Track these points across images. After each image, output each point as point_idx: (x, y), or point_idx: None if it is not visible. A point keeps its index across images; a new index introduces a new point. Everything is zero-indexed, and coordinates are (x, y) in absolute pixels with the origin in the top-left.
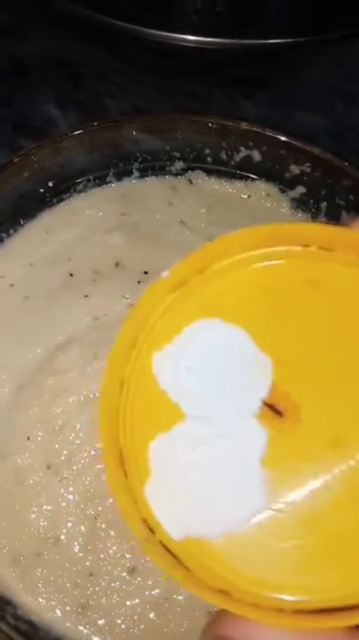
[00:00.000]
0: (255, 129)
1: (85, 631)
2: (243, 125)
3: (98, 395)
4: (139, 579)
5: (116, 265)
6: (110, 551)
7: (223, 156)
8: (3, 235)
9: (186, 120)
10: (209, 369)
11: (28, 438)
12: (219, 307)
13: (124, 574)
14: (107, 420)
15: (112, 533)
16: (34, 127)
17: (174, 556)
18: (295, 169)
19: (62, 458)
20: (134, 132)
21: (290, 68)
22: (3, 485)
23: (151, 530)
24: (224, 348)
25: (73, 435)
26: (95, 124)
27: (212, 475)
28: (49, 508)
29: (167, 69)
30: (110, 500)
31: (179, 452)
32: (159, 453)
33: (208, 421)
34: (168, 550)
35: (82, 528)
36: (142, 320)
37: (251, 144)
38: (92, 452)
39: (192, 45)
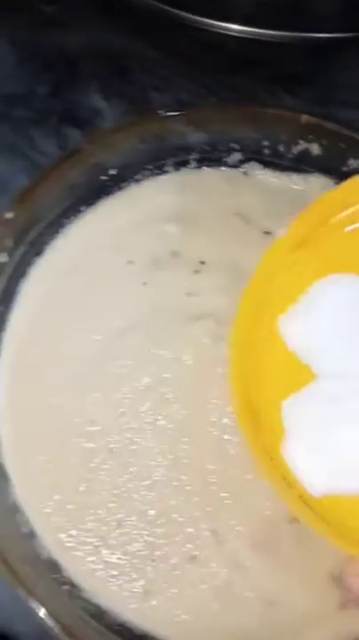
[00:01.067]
0: (317, 122)
1: (148, 617)
2: (304, 118)
3: (158, 379)
4: (201, 568)
5: (174, 254)
6: (176, 538)
7: (281, 148)
8: (64, 220)
9: (246, 111)
10: (338, 326)
11: (93, 421)
12: (345, 260)
13: (186, 563)
14: (239, 385)
15: (176, 518)
16: (80, 117)
17: (314, 511)
18: (353, 163)
19: (125, 442)
20: (193, 123)
21: (333, 65)
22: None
23: (290, 486)
24: (353, 304)
25: (133, 420)
26: (159, 112)
27: (348, 431)
28: (114, 492)
29: (211, 64)
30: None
31: (313, 410)
32: (293, 412)
33: (340, 379)
34: (308, 506)
35: (146, 513)
36: (264, 283)
37: (310, 137)
38: (153, 436)
39: (240, 36)
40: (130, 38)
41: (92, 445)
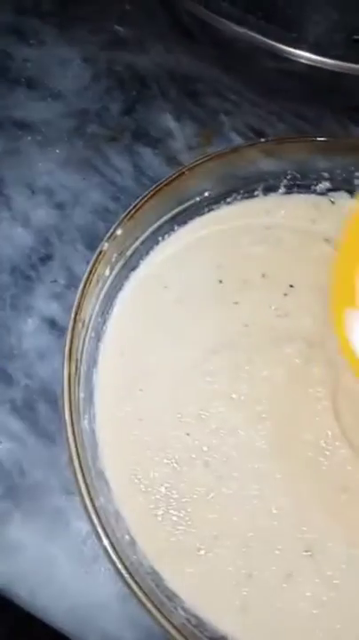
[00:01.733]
0: None
1: (246, 633)
2: None
3: (251, 397)
4: (297, 586)
5: (263, 276)
6: (270, 556)
7: None
8: (159, 238)
9: (339, 142)
10: None
11: (188, 434)
12: None
13: (282, 581)
14: None
15: (270, 536)
16: (152, 137)
17: None
18: None
19: (217, 456)
20: (287, 152)
21: None
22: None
23: None
24: None
25: (228, 435)
26: (262, 140)
27: None
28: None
29: (281, 91)
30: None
31: None
32: None
33: None
34: None
35: (241, 528)
36: None
37: None
38: (247, 452)
39: (312, 64)
40: (200, 61)
41: (188, 457)
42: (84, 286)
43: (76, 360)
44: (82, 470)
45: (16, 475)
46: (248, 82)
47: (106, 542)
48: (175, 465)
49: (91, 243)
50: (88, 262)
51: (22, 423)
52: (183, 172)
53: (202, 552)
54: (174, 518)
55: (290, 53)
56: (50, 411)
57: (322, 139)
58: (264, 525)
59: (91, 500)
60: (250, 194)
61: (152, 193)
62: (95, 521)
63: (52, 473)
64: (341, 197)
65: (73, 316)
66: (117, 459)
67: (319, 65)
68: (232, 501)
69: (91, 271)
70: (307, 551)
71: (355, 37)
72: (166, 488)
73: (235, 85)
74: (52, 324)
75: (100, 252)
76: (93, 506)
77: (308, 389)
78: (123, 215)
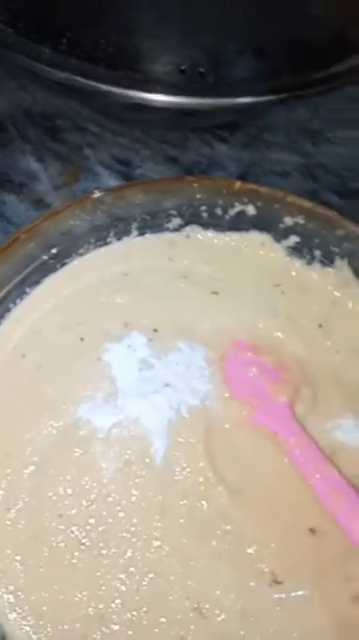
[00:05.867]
0: (250, 187)
1: None
2: (238, 184)
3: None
4: None
5: (126, 325)
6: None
7: (218, 211)
8: (11, 305)
9: (184, 182)
10: None
11: (60, 515)
12: None
13: None
14: None
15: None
16: (15, 182)
17: None
18: (289, 221)
19: (99, 530)
20: (134, 196)
21: (258, 112)
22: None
23: None
24: None
25: (106, 507)
26: (94, 192)
27: None
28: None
29: (141, 119)
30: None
31: None
32: None
33: None
34: None
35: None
36: None
37: (245, 200)
38: (130, 527)
39: (166, 105)
40: (56, 96)
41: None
42: None
43: None
44: None
45: None
46: (106, 113)
47: None
48: (52, 554)
49: None
50: None
51: None
52: (18, 237)
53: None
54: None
55: (139, 98)
56: None
57: (163, 179)
58: (152, 588)
59: None
60: (102, 241)
61: None
62: None
63: None
64: (194, 231)
65: None
66: None
67: (173, 106)
68: (117, 569)
69: None
70: (196, 609)
71: (182, 68)
72: (41, 575)
73: (95, 117)
74: None
75: None
76: None
77: (191, 440)
78: None
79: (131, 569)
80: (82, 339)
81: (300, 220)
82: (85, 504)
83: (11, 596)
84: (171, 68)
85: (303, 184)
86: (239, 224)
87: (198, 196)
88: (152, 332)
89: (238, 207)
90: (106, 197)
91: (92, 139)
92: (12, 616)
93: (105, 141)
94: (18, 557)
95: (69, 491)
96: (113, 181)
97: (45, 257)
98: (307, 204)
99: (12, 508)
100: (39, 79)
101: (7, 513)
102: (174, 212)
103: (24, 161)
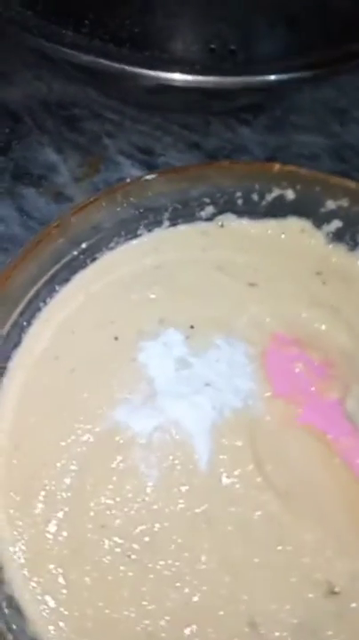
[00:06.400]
0: (289, 169)
1: None
2: (276, 167)
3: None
4: None
5: (161, 322)
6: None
7: (254, 197)
8: (41, 304)
9: (217, 168)
10: None
11: (103, 526)
12: None
13: None
14: None
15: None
16: (34, 175)
17: None
18: (331, 204)
19: (145, 541)
20: (165, 185)
21: (284, 92)
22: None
23: None
24: None
25: (151, 517)
26: (127, 180)
27: None
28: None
29: (161, 104)
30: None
31: None
32: None
33: None
34: None
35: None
36: None
37: (284, 184)
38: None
39: (192, 85)
40: (72, 84)
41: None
42: None
43: None
44: None
45: None
46: (125, 99)
47: None
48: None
49: None
50: None
51: None
52: (49, 233)
53: None
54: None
55: (160, 78)
56: None
57: (196, 166)
58: (202, 603)
59: None
60: (133, 234)
61: (18, 260)
62: None
63: None
64: (229, 219)
65: None
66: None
67: (194, 85)
68: (164, 583)
69: None
70: (250, 624)
71: (212, 47)
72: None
73: (113, 104)
74: None
75: None
76: None
77: (222, 441)
78: None
79: (179, 583)
80: (116, 338)
81: (344, 203)
82: (129, 514)
83: (52, 612)
84: (199, 47)
85: (332, 166)
86: (277, 210)
87: (233, 182)
88: (188, 328)
89: (276, 192)
90: (135, 188)
91: (111, 127)
92: (53, 633)
93: (124, 129)
94: (60, 571)
95: (111, 500)
96: (135, 171)
97: (75, 252)
98: (353, 184)
99: (53, 520)
100: (55, 67)
101: (47, 525)
102: (207, 200)
103: (42, 153)
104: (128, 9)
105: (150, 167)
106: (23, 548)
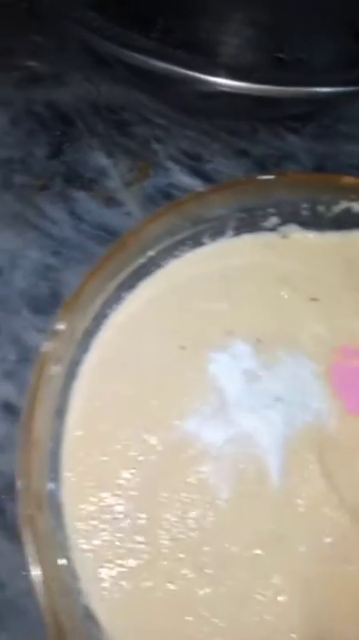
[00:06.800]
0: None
1: None
2: (346, 179)
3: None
4: None
5: (227, 333)
6: None
7: (321, 209)
8: (108, 310)
9: (286, 178)
10: None
11: (174, 539)
12: None
13: None
14: None
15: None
16: (85, 178)
17: None
18: None
19: (214, 558)
20: (233, 196)
21: (335, 103)
22: None
23: None
24: None
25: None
26: (202, 189)
27: None
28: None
29: (209, 110)
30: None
31: None
32: None
33: None
34: None
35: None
36: None
37: (353, 196)
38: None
39: (244, 92)
40: (121, 87)
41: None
42: (31, 405)
43: (35, 479)
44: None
45: None
46: (173, 104)
47: None
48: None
49: (38, 307)
50: (37, 330)
51: None
52: (126, 242)
53: None
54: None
55: (210, 81)
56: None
57: (264, 178)
58: (274, 622)
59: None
60: (197, 242)
61: (89, 277)
62: None
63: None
64: (292, 230)
65: (23, 437)
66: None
67: (242, 91)
68: (232, 600)
69: (36, 388)
70: None
71: (280, 56)
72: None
73: (161, 109)
74: (8, 409)
75: (43, 355)
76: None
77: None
78: (62, 307)
79: (250, 601)
80: (183, 347)
81: None
82: (201, 527)
83: (126, 624)
84: (256, 55)
85: None
86: (342, 223)
87: (300, 193)
88: (255, 340)
89: (343, 204)
90: (201, 199)
91: (160, 132)
92: None
93: (173, 134)
94: (131, 582)
95: (183, 512)
96: (184, 177)
97: (142, 260)
98: None
99: (124, 532)
100: (103, 69)
101: (119, 536)
102: (272, 211)
103: (93, 156)
104: (196, 15)
105: (198, 173)
106: (94, 558)
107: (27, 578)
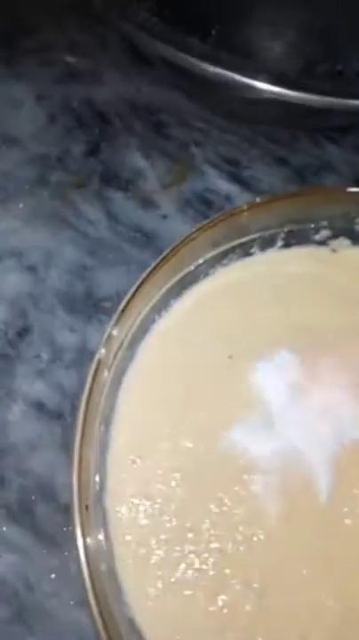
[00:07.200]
0: None
1: None
2: None
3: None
4: None
5: (275, 343)
6: None
7: None
8: (156, 316)
9: (341, 192)
10: None
11: (221, 551)
12: None
13: None
14: None
15: None
16: (122, 179)
17: None
18: None
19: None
20: (287, 208)
21: None
22: None
23: None
24: None
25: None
26: (256, 200)
27: None
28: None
29: (249, 115)
30: None
31: None
32: None
33: None
34: None
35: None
36: None
37: None
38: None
39: (286, 100)
40: (161, 88)
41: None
42: (85, 414)
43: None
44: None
45: (23, 590)
46: (213, 108)
47: None
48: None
49: (72, 306)
50: (71, 330)
51: (21, 530)
52: (178, 251)
53: None
54: None
55: (256, 87)
56: (50, 511)
57: (318, 192)
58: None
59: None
60: (246, 252)
61: (141, 283)
62: None
63: (62, 582)
64: (342, 244)
65: (77, 447)
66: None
67: (286, 99)
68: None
69: (88, 398)
70: None
71: (339, 69)
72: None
73: (201, 112)
74: (40, 408)
75: (98, 361)
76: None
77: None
78: (116, 314)
79: (297, 621)
80: (230, 356)
81: None
82: (248, 542)
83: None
84: (303, 63)
85: None
86: None
87: (354, 207)
88: (303, 351)
89: None
90: (253, 210)
91: (198, 135)
92: None
93: (211, 139)
94: (173, 595)
95: (229, 525)
96: (221, 182)
97: (191, 267)
98: None
99: (168, 544)
100: (143, 69)
101: (160, 549)
102: (325, 224)
103: (130, 157)
104: (253, 22)
105: (236, 179)
106: (138, 569)
107: (55, 581)
